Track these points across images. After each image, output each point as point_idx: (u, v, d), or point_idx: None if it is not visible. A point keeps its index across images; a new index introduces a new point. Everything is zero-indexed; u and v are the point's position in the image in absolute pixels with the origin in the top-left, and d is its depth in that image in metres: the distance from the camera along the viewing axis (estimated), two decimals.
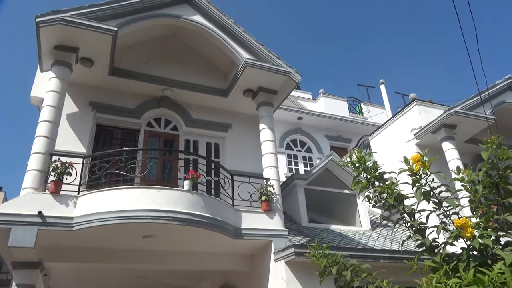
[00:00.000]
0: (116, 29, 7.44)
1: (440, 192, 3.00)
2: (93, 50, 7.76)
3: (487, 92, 10.32)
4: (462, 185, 2.96)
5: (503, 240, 2.73)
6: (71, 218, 6.23)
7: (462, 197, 3.07)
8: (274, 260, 7.34)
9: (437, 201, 2.97)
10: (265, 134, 8.63)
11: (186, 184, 6.85)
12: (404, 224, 3.08)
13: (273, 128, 8.81)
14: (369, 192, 3.22)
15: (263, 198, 7.73)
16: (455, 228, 2.69)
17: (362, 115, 19.01)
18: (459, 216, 2.86)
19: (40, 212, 6.02)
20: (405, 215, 3.00)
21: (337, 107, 18.15)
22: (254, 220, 7.54)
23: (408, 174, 2.98)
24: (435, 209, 3.00)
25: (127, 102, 8.93)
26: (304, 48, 53.01)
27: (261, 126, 8.76)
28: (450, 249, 3.07)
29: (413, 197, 2.94)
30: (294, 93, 16.02)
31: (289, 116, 15.82)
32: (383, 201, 3.09)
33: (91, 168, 7.12)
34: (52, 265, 7.18)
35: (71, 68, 7.59)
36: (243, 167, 8.96)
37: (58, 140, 7.06)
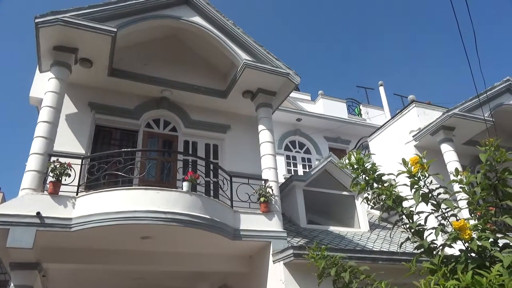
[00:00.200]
0: (115, 30, 7.45)
1: (439, 194, 3.01)
2: (93, 51, 7.76)
3: (485, 94, 10.36)
4: (460, 187, 2.96)
5: (501, 242, 2.73)
6: (70, 219, 6.23)
7: (460, 199, 3.07)
8: (273, 261, 7.34)
9: (435, 203, 2.97)
10: (264, 135, 8.63)
11: (185, 185, 6.85)
12: (402, 226, 3.09)
13: (272, 129, 8.81)
14: (367, 193, 3.23)
15: (262, 199, 7.73)
16: (453, 230, 2.69)
17: (361, 116, 19.04)
18: (458, 218, 2.87)
19: (38, 213, 6.01)
20: (404, 217, 3.01)
21: (336, 109, 18.17)
22: (252, 222, 7.54)
23: (407, 176, 2.98)
24: (433, 211, 3.01)
25: (126, 103, 8.92)
26: (303, 49, 53.14)
27: (260, 127, 8.77)
28: (448, 251, 3.07)
29: (412, 199, 2.94)
30: (293, 94, 16.02)
31: (288, 118, 15.85)
32: (381, 203, 3.10)
33: (90, 169, 7.11)
34: (50, 266, 7.17)
35: (70, 69, 7.59)
36: (242, 168, 8.97)
37: (57, 140, 7.06)
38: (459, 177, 2.99)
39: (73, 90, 8.30)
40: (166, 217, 6.30)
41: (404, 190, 3.10)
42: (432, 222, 3.05)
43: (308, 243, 7.95)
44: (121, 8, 7.76)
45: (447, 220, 2.97)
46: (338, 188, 10.46)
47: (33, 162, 6.49)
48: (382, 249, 8.62)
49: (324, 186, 10.35)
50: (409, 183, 2.98)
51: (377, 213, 11.93)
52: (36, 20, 6.94)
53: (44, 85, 7.57)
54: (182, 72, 9.39)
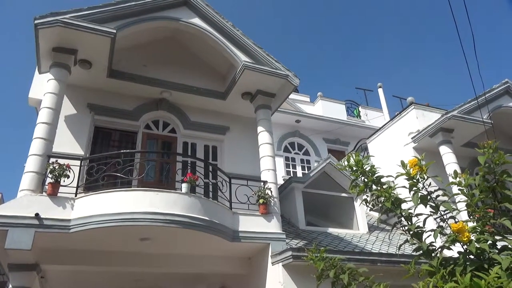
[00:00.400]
0: (115, 31, 7.45)
1: (437, 196, 3.01)
2: (92, 52, 7.77)
3: (484, 97, 10.39)
4: (459, 189, 2.97)
5: (499, 244, 2.73)
6: (69, 220, 6.22)
7: (459, 201, 3.07)
8: (272, 263, 7.34)
9: (434, 205, 2.97)
10: (263, 137, 8.64)
11: (184, 186, 6.85)
12: (401, 228, 3.09)
13: (271, 131, 8.82)
14: (366, 195, 3.23)
15: (261, 201, 7.73)
16: (452, 232, 2.69)
17: (360, 118, 19.05)
18: (456, 220, 2.87)
19: (37, 214, 6.01)
20: (402, 219, 3.01)
21: (335, 110, 18.20)
22: (251, 223, 7.54)
23: (406, 178, 2.98)
24: (432, 213, 3.01)
25: (125, 104, 8.93)
26: (303, 50, 53.16)
27: (259, 129, 8.77)
28: (447, 253, 3.08)
29: (410, 201, 2.94)
30: (292, 96, 16.04)
31: (287, 119, 15.87)
32: (380, 205, 3.10)
33: (89, 170, 7.10)
34: (49, 267, 7.16)
35: (69, 70, 7.59)
36: (241, 169, 8.97)
37: (56, 142, 7.06)
38: (457, 179, 2.99)
39: (72, 91, 8.30)
40: (165, 218, 6.30)
41: (403, 192, 3.10)
42: (431, 224, 3.06)
43: (307, 244, 7.95)
44: (120, 9, 7.77)
45: (445, 222, 2.97)
46: (337, 190, 10.46)
47: (32, 163, 6.48)
48: (381, 251, 8.63)
49: (323, 187, 10.34)
50: (408, 185, 2.98)
51: (376, 215, 11.92)
52: (36, 21, 6.94)
53: (43, 86, 7.57)
54: (181, 73, 9.40)
